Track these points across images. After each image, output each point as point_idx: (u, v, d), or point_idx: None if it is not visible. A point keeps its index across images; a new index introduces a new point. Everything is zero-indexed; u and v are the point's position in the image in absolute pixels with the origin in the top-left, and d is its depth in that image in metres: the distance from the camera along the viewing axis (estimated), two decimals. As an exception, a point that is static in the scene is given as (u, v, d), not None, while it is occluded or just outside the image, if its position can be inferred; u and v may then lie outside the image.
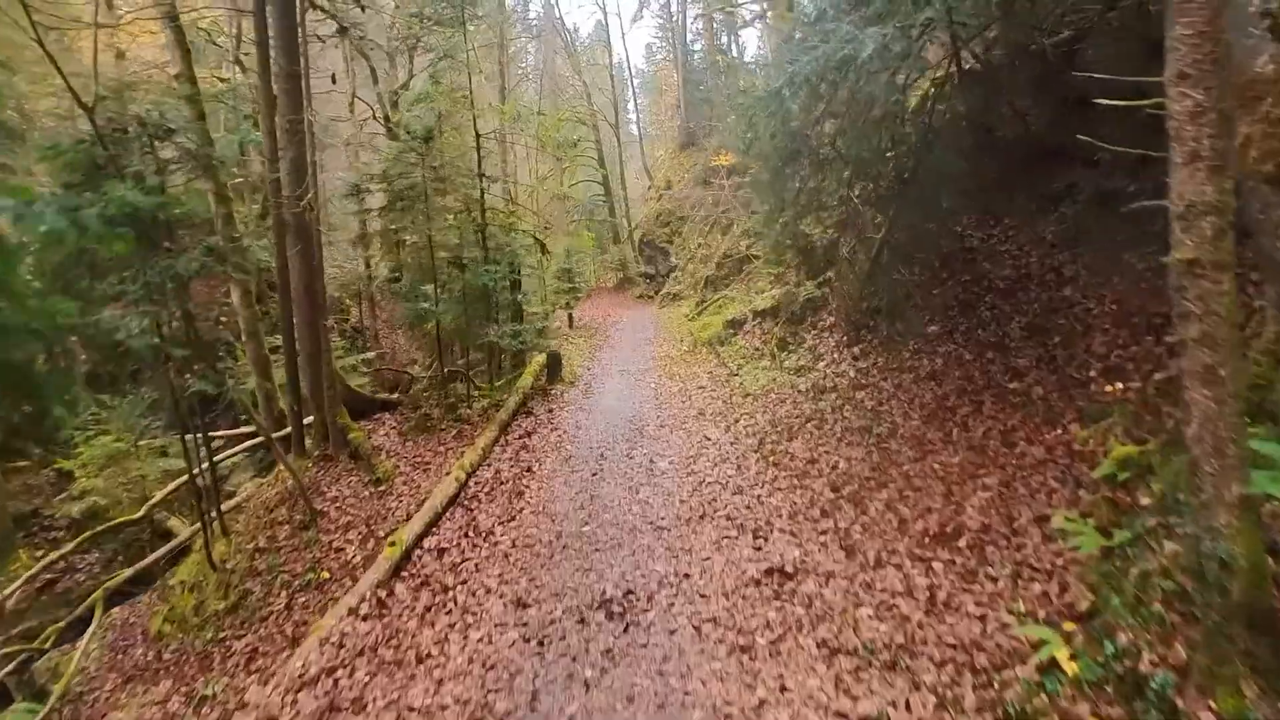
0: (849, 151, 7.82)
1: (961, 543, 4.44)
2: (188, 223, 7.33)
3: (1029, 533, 4.27)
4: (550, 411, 10.55)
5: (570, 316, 19.72)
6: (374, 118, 18.76)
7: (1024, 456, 5.12)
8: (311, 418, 9.48)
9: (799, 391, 9.50)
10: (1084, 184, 8.25)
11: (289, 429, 9.49)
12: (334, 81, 10.05)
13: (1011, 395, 6.10)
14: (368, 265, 16.66)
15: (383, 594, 5.51)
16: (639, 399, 11.11)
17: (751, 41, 37.63)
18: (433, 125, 9.39)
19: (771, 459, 7.20)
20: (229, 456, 9.56)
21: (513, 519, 6.72)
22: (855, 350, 9.73)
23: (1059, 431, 5.13)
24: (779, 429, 8.12)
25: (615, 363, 15.03)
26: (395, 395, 10.52)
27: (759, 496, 6.26)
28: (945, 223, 9.69)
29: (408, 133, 9.48)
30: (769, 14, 6.05)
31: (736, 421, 8.76)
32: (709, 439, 8.31)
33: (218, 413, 12.80)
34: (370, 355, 13.32)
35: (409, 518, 7.39)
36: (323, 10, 9.28)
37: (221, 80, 13.28)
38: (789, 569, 4.74)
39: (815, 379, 9.61)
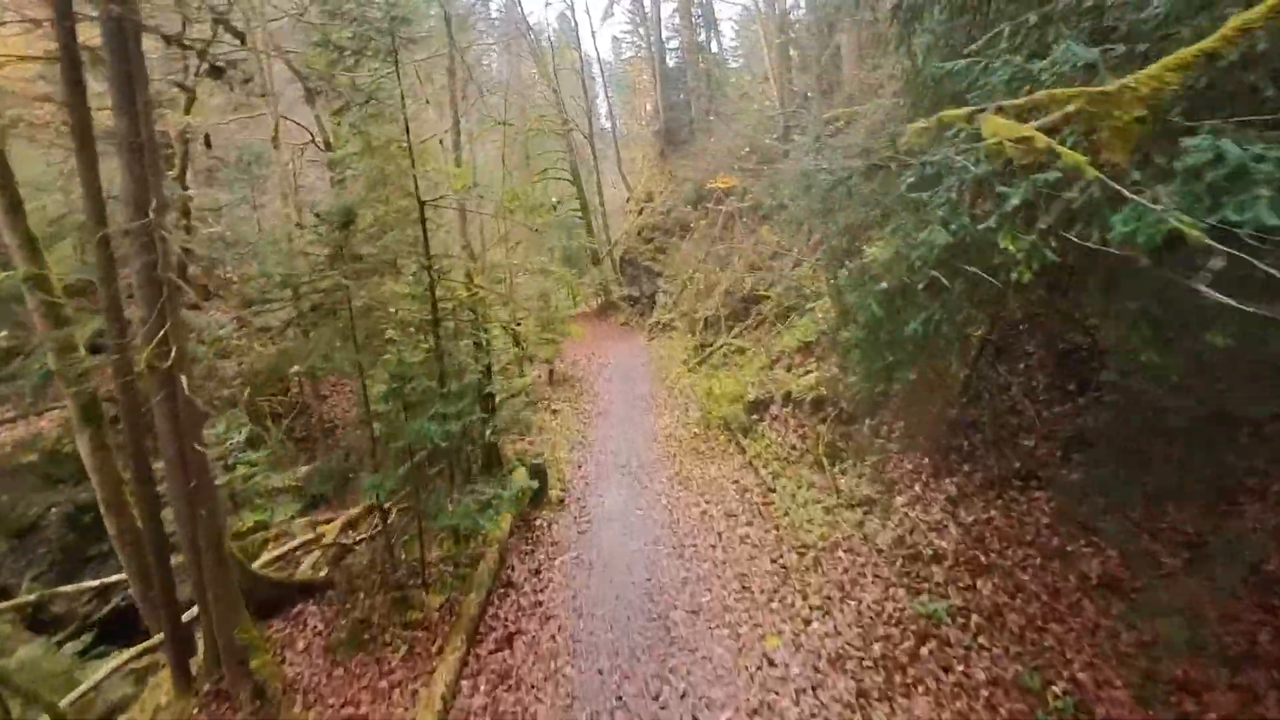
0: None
1: None
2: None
3: None
4: (536, 573, 7.87)
5: (551, 372, 16.99)
6: (313, 142, 15.64)
7: None
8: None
9: (878, 552, 6.96)
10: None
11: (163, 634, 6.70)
12: (208, 145, 7.16)
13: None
14: (306, 335, 13.73)
15: None
16: (651, 534, 8.50)
17: (727, 32, 34.85)
18: (352, 204, 6.59)
19: (891, 748, 4.65)
20: (84, 693, 6.68)
21: None
22: (949, 486, 7.20)
23: None
24: (874, 651, 5.56)
25: (610, 447, 12.35)
26: (323, 573, 7.74)
27: None
28: (1058, 307, 7.27)
29: (318, 217, 6.67)
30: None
31: (807, 623, 6.17)
32: (773, 664, 5.72)
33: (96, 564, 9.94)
34: (303, 471, 10.48)
35: None
36: (183, 47, 6.39)
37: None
38: None
39: (898, 531, 7.07)
